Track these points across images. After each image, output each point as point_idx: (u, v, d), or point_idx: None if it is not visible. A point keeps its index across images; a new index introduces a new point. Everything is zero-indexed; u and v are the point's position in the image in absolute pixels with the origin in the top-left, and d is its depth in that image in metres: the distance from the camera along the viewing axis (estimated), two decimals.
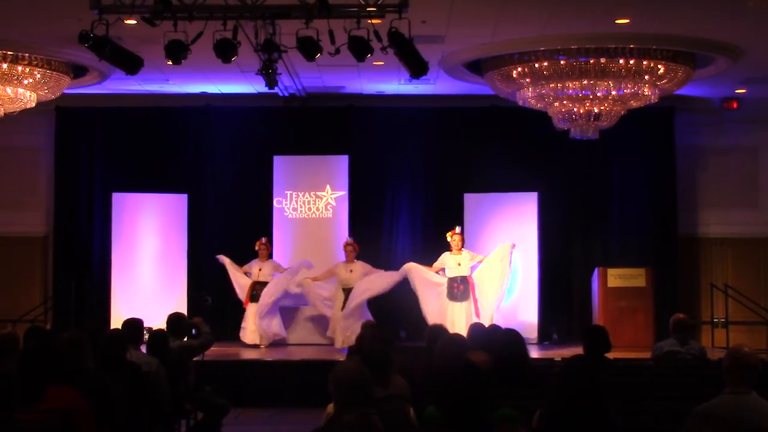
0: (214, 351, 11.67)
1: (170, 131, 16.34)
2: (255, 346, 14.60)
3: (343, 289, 14.39)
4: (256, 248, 14.97)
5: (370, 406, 4.97)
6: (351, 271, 14.45)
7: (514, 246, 14.34)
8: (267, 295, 14.58)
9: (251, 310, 14.71)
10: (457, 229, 14.40)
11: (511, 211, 15.20)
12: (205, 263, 15.84)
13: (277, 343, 14.86)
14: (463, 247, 14.28)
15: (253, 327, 14.69)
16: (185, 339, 9.79)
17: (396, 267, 14.92)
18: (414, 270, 14.39)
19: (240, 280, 14.96)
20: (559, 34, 11.78)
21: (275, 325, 14.76)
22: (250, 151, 16.36)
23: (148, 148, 16.25)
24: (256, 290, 14.72)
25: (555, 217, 15.74)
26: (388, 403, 5.70)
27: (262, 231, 15.35)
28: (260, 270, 14.87)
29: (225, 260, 15.02)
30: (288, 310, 15.10)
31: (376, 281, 14.38)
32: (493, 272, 14.27)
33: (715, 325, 15.82)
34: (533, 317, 14.98)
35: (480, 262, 14.38)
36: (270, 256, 15.05)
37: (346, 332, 14.07)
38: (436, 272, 14.33)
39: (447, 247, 14.37)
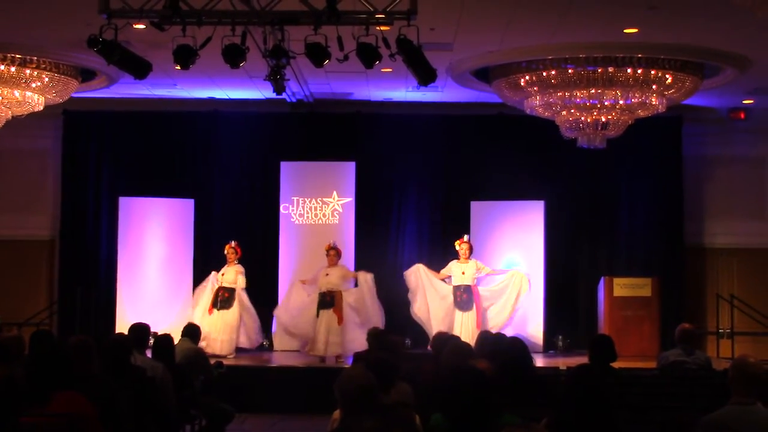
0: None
1: (178, 136, 16.37)
2: (220, 356, 13.44)
3: (319, 293, 13.87)
4: (225, 252, 14.44)
5: (376, 412, 4.96)
6: (327, 275, 13.97)
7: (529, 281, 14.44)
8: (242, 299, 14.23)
9: (213, 318, 14.02)
10: (465, 237, 14.39)
11: (517, 220, 15.20)
12: (211, 268, 15.82)
13: (246, 350, 14.42)
14: (471, 254, 14.27)
15: (215, 335, 13.89)
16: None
17: (402, 274, 14.91)
18: (421, 270, 14.40)
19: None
20: (568, 42, 11.79)
21: (257, 330, 14.43)
22: (257, 157, 16.37)
23: (156, 152, 16.27)
24: (220, 296, 14.15)
25: (561, 225, 15.74)
26: (394, 410, 5.68)
27: (268, 237, 15.32)
28: (223, 275, 14.33)
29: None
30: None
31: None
32: (504, 294, 14.32)
33: (720, 336, 15.80)
34: (539, 326, 14.95)
35: (488, 275, 14.39)
36: (239, 260, 14.45)
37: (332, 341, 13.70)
38: (443, 279, 14.32)
39: (453, 255, 14.38)
